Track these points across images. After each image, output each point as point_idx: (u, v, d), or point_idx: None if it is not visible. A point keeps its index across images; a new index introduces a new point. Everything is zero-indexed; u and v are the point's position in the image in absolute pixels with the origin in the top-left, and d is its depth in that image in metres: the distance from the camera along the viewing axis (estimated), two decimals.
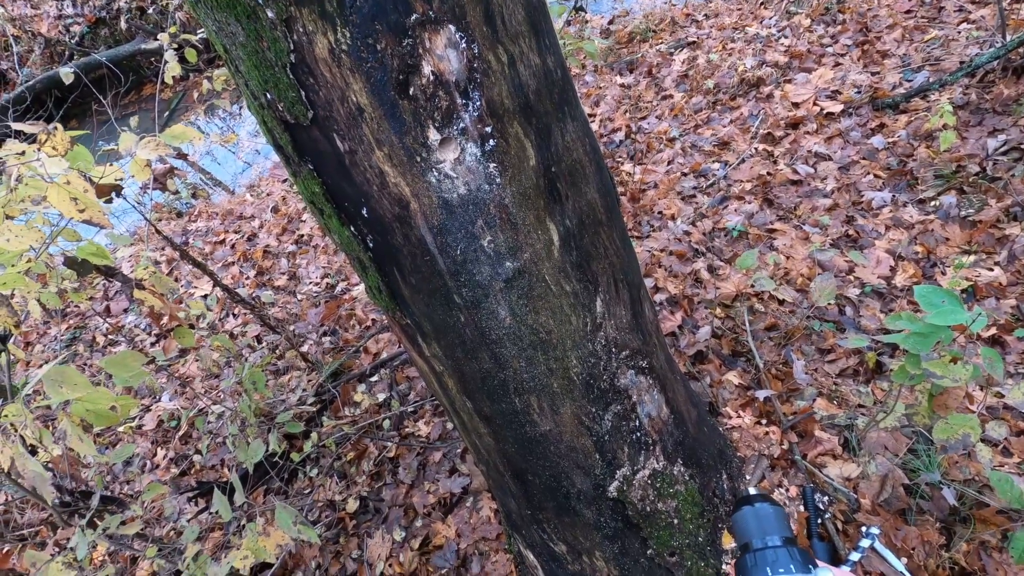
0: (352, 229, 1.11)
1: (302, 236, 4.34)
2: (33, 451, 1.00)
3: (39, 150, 0.94)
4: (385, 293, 1.20)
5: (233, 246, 4.54)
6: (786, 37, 3.90)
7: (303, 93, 0.91)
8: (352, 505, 2.30)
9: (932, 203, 2.59)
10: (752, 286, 2.32)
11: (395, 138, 0.94)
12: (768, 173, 3.03)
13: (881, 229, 2.57)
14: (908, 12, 3.64)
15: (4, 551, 2.43)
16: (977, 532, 1.45)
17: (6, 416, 0.99)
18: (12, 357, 1.26)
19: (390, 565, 2.11)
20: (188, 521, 2.18)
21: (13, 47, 8.66)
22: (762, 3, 4.48)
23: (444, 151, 0.96)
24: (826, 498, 1.68)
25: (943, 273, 2.33)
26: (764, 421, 1.94)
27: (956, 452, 1.13)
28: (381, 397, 2.70)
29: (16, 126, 1.53)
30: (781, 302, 2.42)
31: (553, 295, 1.16)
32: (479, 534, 2.06)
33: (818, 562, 0.56)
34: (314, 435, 2.05)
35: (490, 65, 0.94)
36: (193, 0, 0.93)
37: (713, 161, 3.28)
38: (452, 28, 0.88)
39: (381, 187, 1.00)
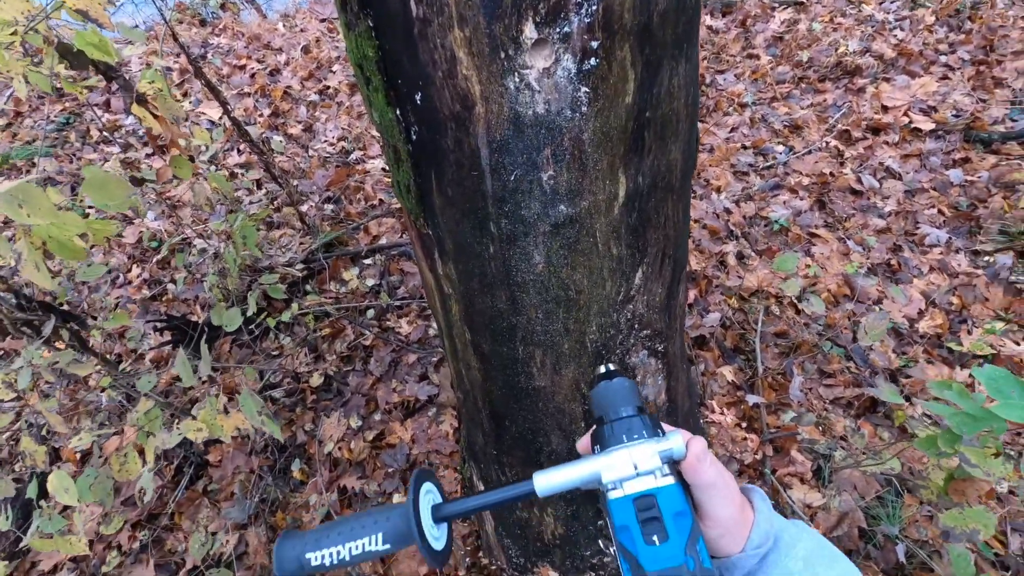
0: (398, 113, 0.94)
1: (328, 88, 4.03)
2: None
3: None
4: (414, 195, 1.05)
5: (253, 76, 4.22)
6: (902, 30, 3.51)
7: None
8: (316, 380, 2.27)
9: (986, 258, 2.44)
10: (780, 289, 2.20)
11: (483, 20, 0.75)
12: (831, 173, 2.81)
13: (924, 268, 2.43)
14: None
15: None
16: None
17: None
18: None
19: (339, 448, 2.11)
20: (150, 349, 2.13)
21: None
22: None
23: (535, 55, 0.79)
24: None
25: (969, 332, 2.23)
26: (745, 426, 1.90)
27: (960, 542, 1.09)
28: (370, 283, 2.61)
29: None
30: (799, 311, 2.32)
31: (597, 255, 1.02)
32: (434, 445, 2.05)
33: (666, 428, 0.58)
34: (295, 305, 1.96)
35: None
36: None
37: (778, 143, 3.04)
38: None
39: (447, 75, 0.82)
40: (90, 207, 3.02)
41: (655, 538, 0.46)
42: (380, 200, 3.09)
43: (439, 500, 0.56)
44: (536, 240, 0.98)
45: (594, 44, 0.79)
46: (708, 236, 2.62)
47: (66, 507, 1.35)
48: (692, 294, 2.38)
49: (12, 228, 2.55)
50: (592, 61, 0.80)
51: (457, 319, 1.23)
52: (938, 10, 3.53)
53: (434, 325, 2.43)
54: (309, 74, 4.16)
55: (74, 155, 3.64)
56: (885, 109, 3.05)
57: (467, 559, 1.76)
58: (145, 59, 4.18)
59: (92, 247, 2.83)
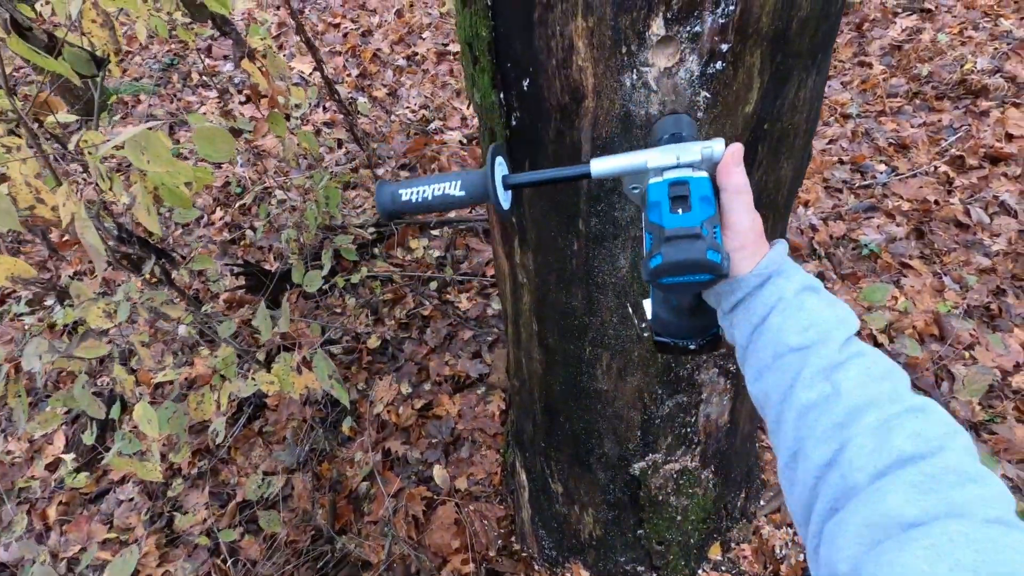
0: (502, 96, 0.92)
1: (416, 54, 4.05)
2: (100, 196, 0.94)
3: None
4: None
5: (346, 35, 4.29)
6: None
7: None
8: (374, 342, 2.33)
9: None
10: (866, 323, 2.07)
11: (610, 11, 0.72)
12: (936, 201, 2.60)
13: None
14: None
15: (63, 240, 2.57)
16: None
17: (85, 142, 0.91)
18: (108, 71, 1.17)
19: (388, 412, 2.17)
20: (225, 290, 2.24)
21: None
22: None
23: (658, 53, 0.74)
24: None
25: None
26: None
27: None
28: (436, 254, 2.64)
29: None
30: (878, 344, 2.17)
31: None
32: (479, 424, 2.08)
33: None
34: (364, 269, 2.00)
35: None
36: None
37: (880, 161, 2.83)
38: None
39: (562, 64, 0.79)
40: (189, 152, 3.18)
41: (679, 210, 0.52)
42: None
43: (506, 172, 0.62)
44: (624, 243, 0.94)
45: (724, 47, 0.73)
46: (790, 251, 2.48)
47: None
48: None
49: (124, 173, 2.72)
50: (718, 64, 0.75)
51: (527, 308, 1.22)
52: None
53: (493, 304, 2.43)
54: (399, 38, 4.19)
55: (175, 96, 3.84)
56: (1010, 137, 2.77)
57: (499, 541, 1.78)
58: (248, 13, 4.33)
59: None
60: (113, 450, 1.10)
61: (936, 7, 3.60)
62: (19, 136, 0.92)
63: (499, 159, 0.60)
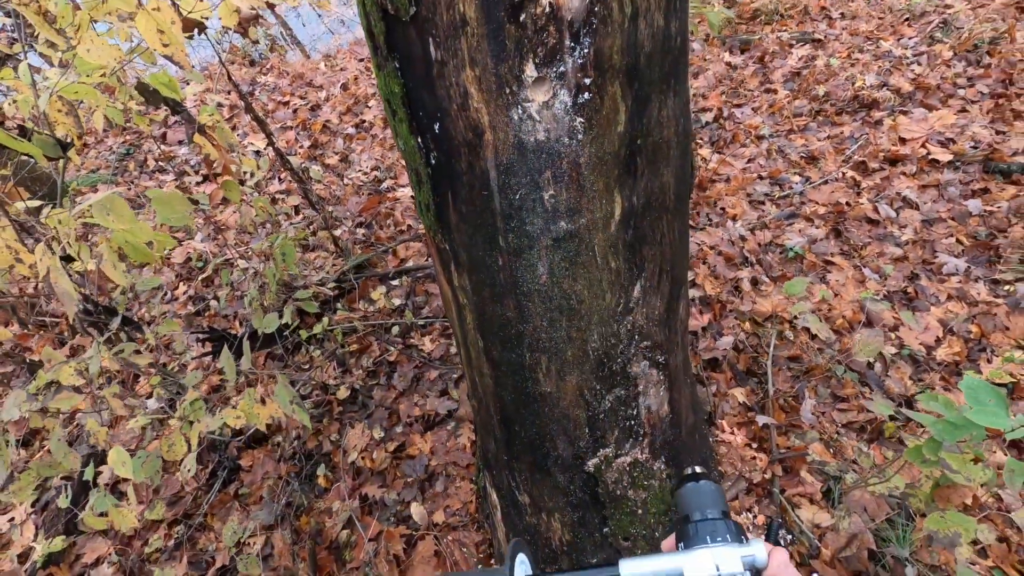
0: (419, 140, 1.08)
1: (363, 121, 4.29)
2: (70, 259, 1.04)
3: None
4: (432, 212, 1.18)
5: (296, 111, 4.52)
6: (919, 64, 3.57)
7: None
8: (343, 393, 2.39)
9: (1006, 287, 2.44)
10: (791, 314, 2.25)
11: (491, 62, 0.89)
12: (847, 203, 2.86)
13: (942, 297, 2.44)
14: None
15: (23, 333, 2.60)
16: None
17: (51, 219, 1.02)
18: (68, 160, 1.29)
19: (363, 457, 2.22)
20: (193, 359, 2.30)
21: None
22: (907, 19, 4.07)
23: (536, 91, 0.91)
24: (790, 536, 1.69)
25: (989, 361, 2.22)
26: (755, 446, 1.93)
27: (942, 546, 1.11)
28: (397, 302, 2.75)
29: None
30: (812, 337, 2.35)
31: (596, 267, 1.13)
32: (452, 458, 2.14)
33: (748, 536, 0.61)
34: (325, 320, 2.10)
35: (611, 13, 0.87)
36: None
37: (795, 173, 3.11)
38: None
39: (461, 108, 0.96)
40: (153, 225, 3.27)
41: None
42: (408, 226, 3.26)
43: (530, 572, 0.61)
44: (540, 253, 1.09)
45: (587, 81, 0.91)
46: (723, 262, 2.68)
47: (114, 488, 1.48)
48: (706, 318, 2.44)
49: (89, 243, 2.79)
50: (586, 95, 0.92)
51: (471, 327, 1.34)
52: (956, 45, 3.58)
53: (455, 344, 2.54)
54: (347, 109, 4.43)
55: (132, 182, 3.95)
56: (903, 141, 3.09)
57: (479, 566, 1.83)
58: (200, 96, 4.54)
59: (144, 266, 3.06)
60: (88, 506, 1.15)
61: (825, 37, 4.04)
62: None
63: (520, 557, 0.58)
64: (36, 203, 1.22)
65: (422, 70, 0.95)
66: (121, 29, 1.43)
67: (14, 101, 1.06)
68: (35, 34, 1.82)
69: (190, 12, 1.19)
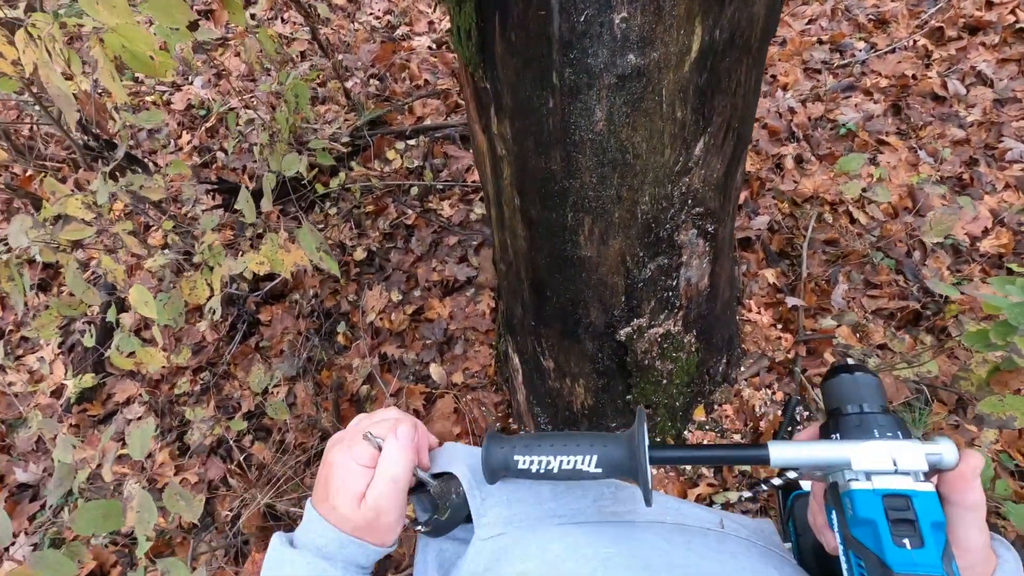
0: None
1: None
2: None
3: None
4: (475, 41, 1.01)
5: None
6: None
7: None
8: (360, 254, 2.34)
9: None
10: (835, 195, 2.10)
11: None
12: (913, 76, 2.58)
13: (999, 185, 2.27)
14: None
15: (25, 176, 2.49)
16: None
17: (34, 27, 0.86)
18: None
19: (381, 318, 2.22)
20: (203, 211, 2.21)
21: None
22: None
23: None
24: (806, 413, 1.71)
25: None
26: (780, 326, 1.90)
27: (994, 427, 1.10)
28: (414, 163, 2.60)
29: None
30: (853, 220, 2.23)
31: (660, 116, 0.98)
32: (471, 323, 2.13)
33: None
34: (342, 174, 1.98)
35: None
36: None
37: (860, 38, 2.77)
38: None
39: None
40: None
41: (906, 542, 0.42)
42: (425, 81, 2.99)
43: (648, 443, 0.54)
44: (600, 94, 0.94)
45: None
46: (767, 136, 2.48)
47: (137, 335, 1.49)
48: (743, 195, 2.30)
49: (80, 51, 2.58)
50: None
51: (507, 184, 1.23)
52: None
53: (476, 209, 2.43)
54: None
55: None
56: (990, 5, 2.71)
57: (497, 424, 1.89)
58: None
59: (141, 110, 2.86)
60: (113, 345, 1.13)
61: None
62: None
63: (645, 428, 0.51)
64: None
65: None
66: None
67: None
68: None
69: None
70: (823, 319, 1.92)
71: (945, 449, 0.45)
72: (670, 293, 1.33)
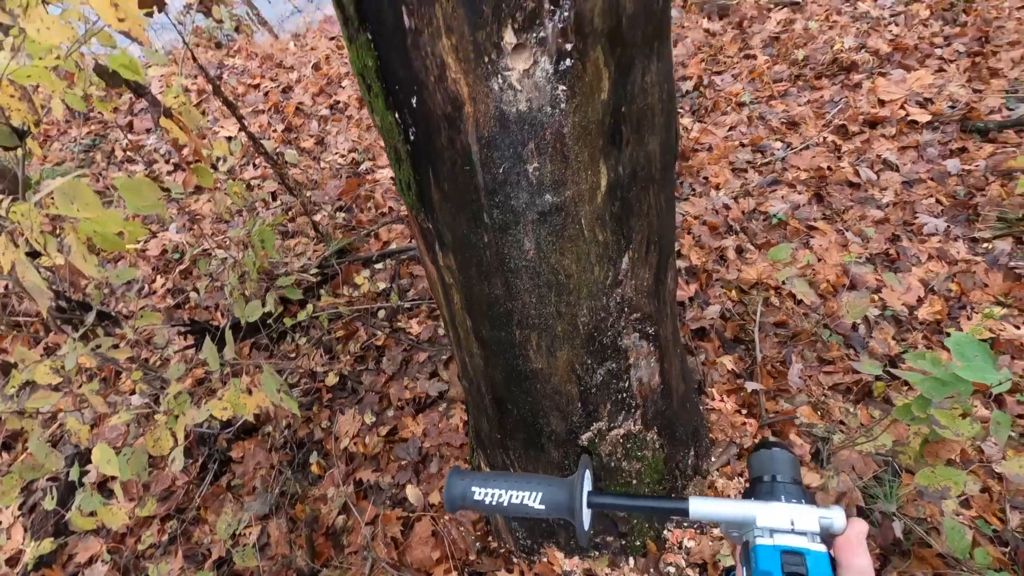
0: (396, 116, 1.04)
1: (338, 102, 4.18)
2: (36, 255, 0.99)
3: None
4: (414, 191, 1.15)
5: (267, 94, 4.39)
6: (897, 25, 3.55)
7: None
8: (332, 380, 2.37)
9: (985, 245, 2.47)
10: (777, 281, 2.26)
11: (467, 29, 0.85)
12: (828, 167, 2.87)
13: (923, 257, 2.47)
14: None
15: None
16: (912, 568, 1.50)
17: (14, 214, 0.97)
18: (28, 152, 1.23)
19: (355, 443, 2.21)
20: (175, 353, 2.25)
21: None
22: None
23: (515, 59, 0.88)
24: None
25: (969, 318, 2.26)
26: (744, 412, 1.96)
27: (933, 500, 1.13)
28: (381, 286, 2.71)
29: None
30: (798, 302, 2.37)
31: (583, 240, 1.11)
32: (444, 439, 2.14)
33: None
34: (310, 306, 2.07)
35: None
36: None
37: (776, 139, 3.10)
38: None
39: (439, 80, 0.92)
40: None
41: None
42: (390, 208, 3.20)
43: (590, 488, 0.60)
44: (526, 228, 1.07)
45: (568, 46, 0.88)
46: (708, 232, 2.68)
47: (102, 487, 1.45)
48: (693, 288, 2.44)
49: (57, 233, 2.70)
50: (567, 62, 0.89)
51: (459, 308, 1.32)
52: (933, 4, 3.57)
53: (443, 325, 2.52)
54: (320, 90, 4.31)
55: (100, 174, 3.82)
56: (882, 103, 3.10)
57: (477, 543, 1.84)
58: (166, 79, 4.38)
59: (119, 259, 2.98)
60: (74, 506, 1.12)
61: (803, 1, 4.00)
62: None
63: (587, 473, 0.58)
64: None
65: (396, 40, 0.91)
66: (74, 10, 1.35)
67: None
68: None
69: None
70: (783, 399, 1.98)
71: (835, 515, 0.52)
72: (624, 394, 1.39)
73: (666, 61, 1.07)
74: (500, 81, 0.89)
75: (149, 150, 3.98)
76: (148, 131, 4.15)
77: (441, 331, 2.51)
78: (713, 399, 1.98)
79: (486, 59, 0.87)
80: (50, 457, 1.03)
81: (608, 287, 1.21)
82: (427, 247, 1.28)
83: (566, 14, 0.84)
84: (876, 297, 2.36)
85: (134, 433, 1.53)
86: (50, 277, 1.46)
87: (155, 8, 1.32)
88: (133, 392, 2.16)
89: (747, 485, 0.62)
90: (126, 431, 1.97)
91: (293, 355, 2.47)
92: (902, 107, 3.04)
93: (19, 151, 1.00)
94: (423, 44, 0.89)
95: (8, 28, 1.17)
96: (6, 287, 2.67)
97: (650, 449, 1.52)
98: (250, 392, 1.23)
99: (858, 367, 1.67)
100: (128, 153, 3.96)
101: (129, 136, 4.12)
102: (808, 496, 0.57)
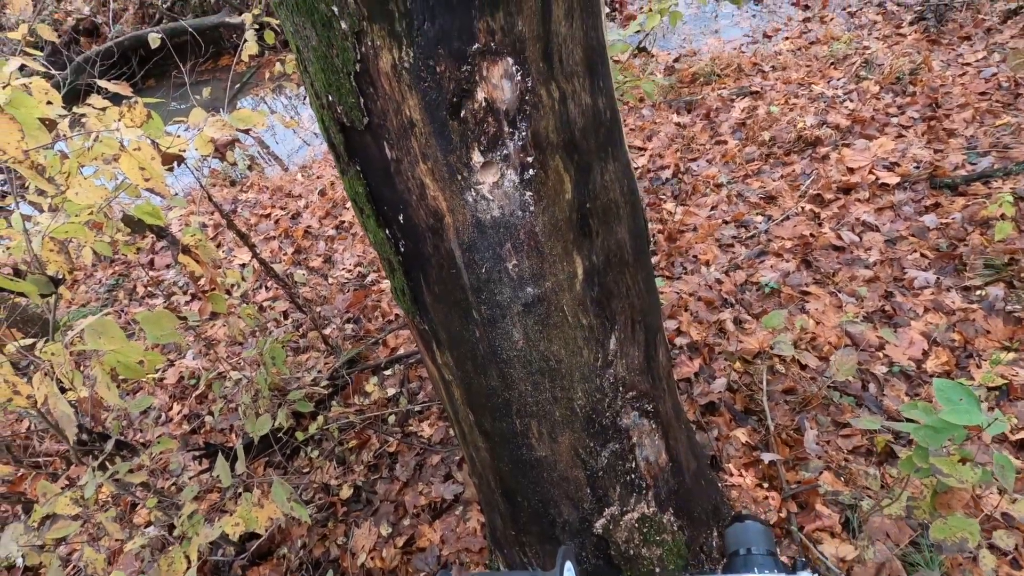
0: (387, 232, 1.16)
1: (343, 222, 4.46)
2: (63, 390, 1.08)
3: (119, 120, 1.02)
4: (408, 296, 1.24)
5: (277, 221, 4.70)
6: (851, 101, 3.84)
7: (362, 100, 0.97)
8: (346, 492, 2.34)
9: (978, 292, 2.51)
10: (771, 347, 2.29)
11: (440, 155, 0.98)
12: (811, 234, 2.98)
13: (919, 310, 2.50)
14: (983, 94, 3.54)
15: (18, 476, 2.56)
16: None
17: (45, 353, 1.06)
18: (59, 296, 1.36)
19: (372, 558, 2.14)
20: (190, 479, 2.26)
21: (110, 3, 9.19)
22: (832, 64, 4.43)
23: (484, 174, 1.00)
24: (816, 575, 1.64)
25: (978, 366, 2.25)
26: (766, 485, 1.91)
27: (952, 554, 1.09)
28: (391, 392, 2.75)
29: (102, 83, 1.64)
30: (803, 367, 2.38)
31: (568, 326, 1.18)
32: (463, 544, 2.07)
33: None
34: (321, 418, 2.11)
35: (541, 99, 0.97)
36: (277, 0, 1.00)
37: (757, 214, 3.26)
38: (510, 60, 0.92)
39: (420, 198, 1.04)
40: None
41: None
42: (396, 315, 3.32)
43: None
44: (513, 320, 1.14)
45: (529, 159, 1.00)
46: (704, 307, 2.75)
47: None
48: (697, 363, 2.47)
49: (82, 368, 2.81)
50: (531, 171, 1.02)
51: (460, 403, 1.37)
52: (881, 80, 3.88)
53: (450, 423, 2.53)
54: (326, 212, 4.62)
55: (122, 311, 4.02)
56: (851, 171, 3.28)
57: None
58: (184, 219, 4.72)
59: (137, 391, 3.06)
60: None
61: (762, 88, 4.36)
62: None
63: (568, 564, 0.59)
64: (29, 341, 1.27)
65: (381, 170, 1.05)
66: (106, 170, 1.54)
67: (8, 248, 1.14)
68: (25, 184, 1.94)
69: (168, 148, 1.31)
70: (802, 468, 1.94)
71: None
72: (633, 475, 1.39)
73: (622, 160, 1.20)
74: (473, 194, 1.02)
75: (168, 283, 4.21)
76: (167, 266, 4.42)
77: (451, 432, 2.51)
78: (731, 475, 1.94)
79: (459, 177, 1.00)
80: None
81: (600, 368, 1.26)
82: (426, 347, 1.35)
83: (524, 134, 0.98)
84: (882, 354, 2.37)
85: (149, 563, 1.52)
86: (74, 416, 1.53)
87: (175, 162, 1.50)
88: (148, 524, 2.15)
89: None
90: (141, 565, 1.94)
91: (307, 470, 2.47)
92: (871, 172, 3.22)
93: (52, 298, 1.12)
94: (404, 170, 1.02)
95: (46, 192, 1.34)
96: (28, 428, 2.74)
97: (668, 532, 1.48)
98: (261, 505, 1.25)
99: (856, 423, 1.66)
100: (149, 288, 4.19)
101: (150, 272, 4.38)
102: (783, 566, 0.61)
